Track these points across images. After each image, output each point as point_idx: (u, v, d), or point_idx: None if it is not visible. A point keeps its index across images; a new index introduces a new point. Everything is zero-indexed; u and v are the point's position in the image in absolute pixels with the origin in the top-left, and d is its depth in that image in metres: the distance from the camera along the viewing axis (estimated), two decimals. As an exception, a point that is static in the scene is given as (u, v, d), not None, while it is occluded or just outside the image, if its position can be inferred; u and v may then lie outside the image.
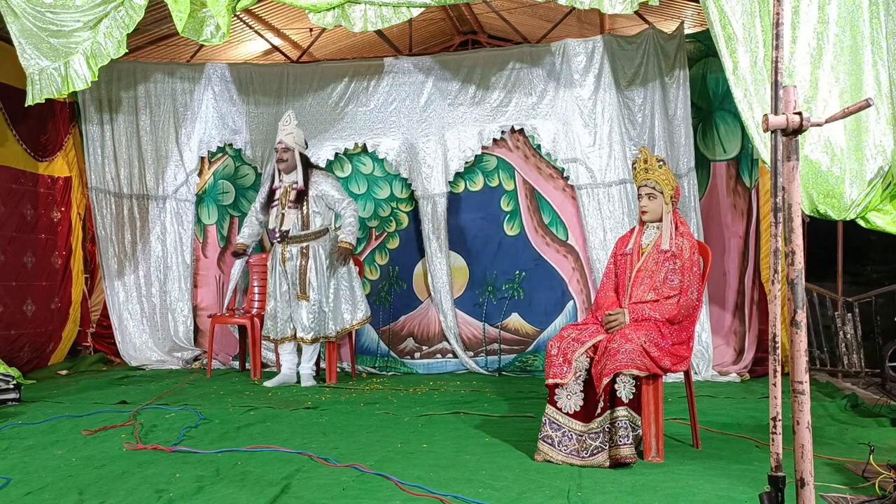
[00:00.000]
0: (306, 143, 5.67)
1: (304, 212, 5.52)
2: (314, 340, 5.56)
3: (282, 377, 5.60)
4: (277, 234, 5.53)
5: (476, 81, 6.42)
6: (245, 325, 6.23)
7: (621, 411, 3.24)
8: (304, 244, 5.54)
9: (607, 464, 3.21)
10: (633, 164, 3.68)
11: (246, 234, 5.81)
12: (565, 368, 3.31)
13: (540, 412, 3.41)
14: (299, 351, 5.68)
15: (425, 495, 2.78)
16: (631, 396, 3.25)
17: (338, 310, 5.65)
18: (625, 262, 3.62)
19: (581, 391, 3.31)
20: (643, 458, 3.29)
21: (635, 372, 3.22)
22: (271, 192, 5.64)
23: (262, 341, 5.91)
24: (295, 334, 5.58)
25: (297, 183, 5.51)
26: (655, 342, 3.29)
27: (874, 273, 9.74)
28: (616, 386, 3.24)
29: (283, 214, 5.53)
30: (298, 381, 5.64)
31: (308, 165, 5.63)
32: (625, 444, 3.20)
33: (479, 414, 4.45)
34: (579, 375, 3.33)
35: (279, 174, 5.61)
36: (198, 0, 4.64)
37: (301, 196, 5.50)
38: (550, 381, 3.33)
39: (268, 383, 5.51)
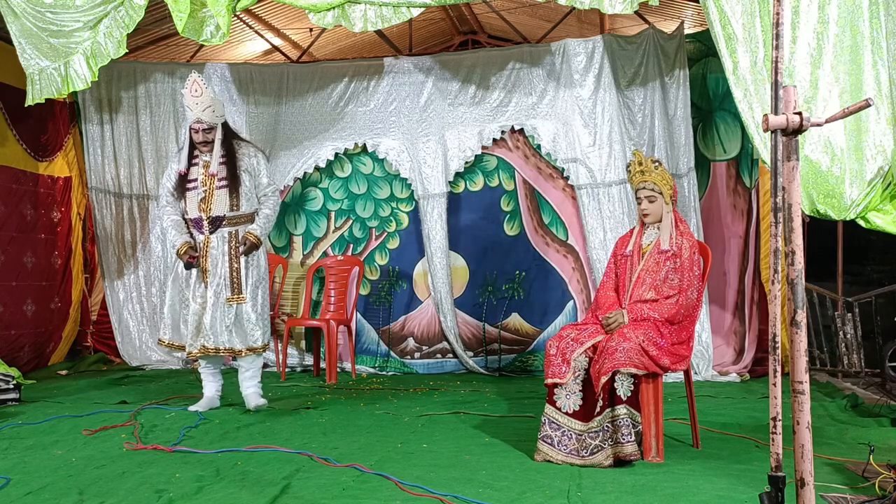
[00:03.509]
0: (223, 106, 4.66)
1: (237, 191, 4.49)
2: (252, 350, 4.50)
3: (207, 401, 4.61)
4: (205, 224, 4.47)
5: (476, 81, 6.42)
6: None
7: (621, 409, 3.25)
8: (233, 228, 4.51)
9: (607, 462, 3.21)
10: (628, 167, 3.66)
11: (181, 233, 4.56)
12: (564, 368, 3.31)
13: (540, 412, 3.41)
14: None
15: (425, 495, 2.78)
16: (629, 394, 3.25)
17: (258, 322, 4.53)
18: (625, 263, 3.62)
19: (580, 390, 3.31)
20: (643, 457, 3.29)
21: (633, 370, 3.22)
22: (182, 172, 4.55)
23: (178, 352, 4.73)
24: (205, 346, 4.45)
25: (223, 157, 4.50)
26: (654, 341, 3.30)
27: (874, 273, 9.75)
28: (615, 384, 3.25)
29: (209, 197, 4.47)
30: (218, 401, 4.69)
31: (233, 136, 4.64)
32: (628, 441, 3.21)
33: (479, 414, 4.45)
34: (578, 375, 3.33)
35: (196, 150, 4.55)
36: (198, 0, 4.64)
37: (233, 175, 4.48)
38: (549, 380, 3.33)
39: (192, 408, 4.55)
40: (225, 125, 4.59)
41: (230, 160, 4.51)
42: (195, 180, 4.52)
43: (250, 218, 4.57)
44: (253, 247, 4.52)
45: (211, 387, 4.66)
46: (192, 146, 4.55)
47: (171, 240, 4.62)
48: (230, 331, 4.45)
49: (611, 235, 6.01)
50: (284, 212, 6.78)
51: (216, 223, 4.48)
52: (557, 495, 2.79)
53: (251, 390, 4.61)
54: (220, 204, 4.47)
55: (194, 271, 4.49)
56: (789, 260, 1.82)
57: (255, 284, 4.55)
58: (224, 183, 4.48)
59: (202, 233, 4.51)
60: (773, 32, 1.81)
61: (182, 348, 4.56)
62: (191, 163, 4.56)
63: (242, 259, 4.48)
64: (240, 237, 4.51)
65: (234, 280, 4.47)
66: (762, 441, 3.65)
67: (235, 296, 4.45)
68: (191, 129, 4.52)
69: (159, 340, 4.66)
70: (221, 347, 4.44)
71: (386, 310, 6.69)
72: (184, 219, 4.60)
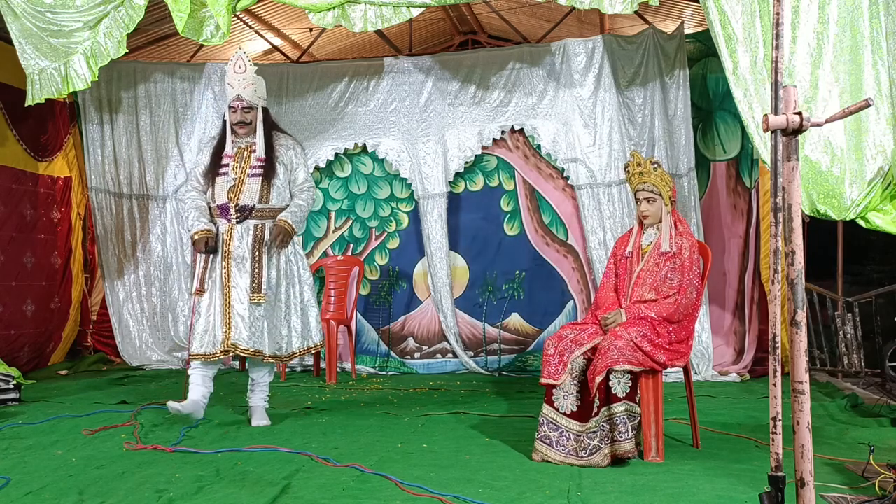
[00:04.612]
0: (266, 90, 4.42)
1: (269, 182, 4.19)
2: (274, 357, 4.14)
3: (190, 404, 4.06)
4: (233, 212, 4.15)
5: (476, 81, 6.42)
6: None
7: (618, 407, 3.25)
8: (260, 222, 4.18)
9: (605, 462, 3.21)
10: (626, 167, 3.67)
11: (203, 217, 4.26)
12: (560, 369, 3.31)
13: (539, 412, 3.41)
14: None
15: (425, 495, 2.78)
16: (627, 390, 3.25)
17: (288, 325, 4.25)
18: (625, 264, 3.62)
19: (577, 391, 3.32)
20: (643, 457, 3.29)
21: (627, 367, 3.22)
22: (218, 155, 4.27)
23: (193, 361, 4.17)
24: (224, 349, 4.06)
25: (255, 145, 4.22)
26: (648, 338, 3.29)
27: (874, 273, 9.74)
28: (610, 383, 3.25)
29: (239, 184, 4.16)
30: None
31: (272, 125, 4.38)
32: (625, 439, 3.22)
33: (478, 414, 4.45)
34: (575, 376, 3.33)
35: (232, 134, 4.27)
36: (198, 0, 4.64)
37: (270, 163, 4.21)
38: (544, 381, 3.33)
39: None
40: (266, 111, 4.33)
41: (268, 148, 4.23)
42: (226, 166, 4.22)
43: (277, 213, 4.23)
44: (286, 235, 4.18)
45: (198, 391, 4.12)
46: (229, 129, 4.27)
47: (188, 224, 4.29)
48: (260, 333, 4.08)
49: (611, 235, 6.02)
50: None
51: (244, 213, 4.15)
52: (557, 495, 2.79)
53: (259, 404, 4.26)
54: (251, 193, 4.15)
55: (217, 269, 4.14)
56: (789, 260, 1.82)
57: (286, 288, 4.23)
58: (258, 171, 4.17)
59: (228, 221, 4.17)
60: (773, 32, 1.81)
61: (212, 357, 4.09)
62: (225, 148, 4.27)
63: (265, 257, 4.14)
64: (266, 233, 4.17)
65: (255, 277, 4.10)
66: (762, 441, 3.64)
67: (255, 294, 4.08)
68: (229, 107, 4.25)
69: (194, 354, 4.14)
70: (251, 349, 4.04)
71: (386, 310, 6.69)
72: (208, 206, 4.30)
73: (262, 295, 4.09)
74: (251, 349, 4.05)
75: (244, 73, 4.23)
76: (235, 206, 4.15)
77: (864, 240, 8.53)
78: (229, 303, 4.07)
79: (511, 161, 6.52)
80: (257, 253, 4.13)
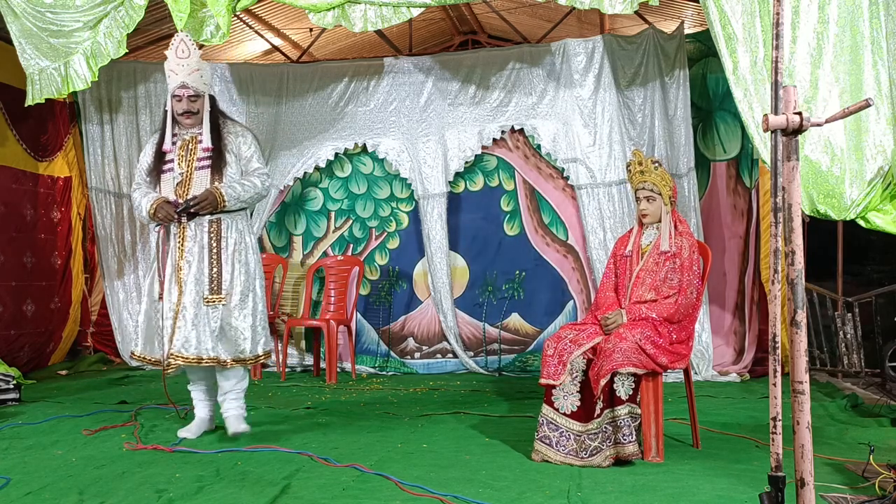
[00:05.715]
0: (211, 75, 4.00)
1: (220, 173, 3.80)
2: (239, 362, 3.78)
3: (199, 423, 3.91)
4: (181, 209, 3.74)
5: (476, 81, 6.42)
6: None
7: (621, 409, 3.25)
8: (214, 217, 3.79)
9: (606, 463, 3.22)
10: (628, 166, 3.68)
11: (151, 193, 3.87)
12: (560, 370, 3.31)
13: (539, 412, 3.41)
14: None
15: (425, 495, 2.78)
16: (630, 392, 3.26)
17: (247, 330, 3.81)
18: (624, 264, 3.62)
19: (578, 391, 3.31)
20: (643, 457, 3.29)
21: (632, 369, 3.22)
22: (161, 150, 3.87)
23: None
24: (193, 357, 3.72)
25: (201, 135, 3.84)
26: (651, 340, 3.29)
27: (874, 273, 9.73)
28: (615, 385, 3.25)
29: (187, 179, 3.81)
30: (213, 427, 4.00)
31: (220, 113, 3.99)
32: (628, 441, 3.22)
33: (478, 414, 4.45)
34: (576, 376, 3.33)
35: (174, 125, 3.87)
36: (198, 0, 4.64)
37: (219, 152, 3.83)
38: (543, 381, 3.33)
39: (182, 433, 3.83)
40: (212, 98, 3.95)
41: (215, 137, 3.85)
42: (171, 161, 3.85)
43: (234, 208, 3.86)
44: (210, 205, 3.73)
45: (203, 407, 3.95)
46: (172, 121, 3.87)
47: (141, 208, 3.86)
48: (216, 338, 3.72)
49: (611, 235, 6.02)
50: (284, 212, 6.79)
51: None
52: (557, 495, 2.79)
53: (233, 412, 3.84)
54: (201, 187, 3.77)
55: (171, 271, 3.78)
56: (789, 260, 1.82)
57: (245, 284, 3.81)
58: (206, 163, 3.80)
59: (186, 219, 3.79)
60: (773, 32, 1.81)
61: (157, 362, 3.80)
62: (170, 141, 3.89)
63: (224, 254, 3.77)
64: (222, 228, 3.80)
65: (214, 277, 3.75)
66: (762, 441, 3.65)
67: (214, 296, 3.74)
68: (173, 97, 3.83)
69: (131, 353, 3.99)
70: (205, 357, 3.69)
71: (386, 310, 6.69)
72: None
73: (221, 296, 3.74)
74: (194, 356, 3.68)
75: (188, 59, 3.80)
76: (185, 203, 3.75)
77: (864, 240, 8.53)
78: (179, 307, 3.71)
79: (511, 161, 6.52)
80: (215, 250, 3.77)
